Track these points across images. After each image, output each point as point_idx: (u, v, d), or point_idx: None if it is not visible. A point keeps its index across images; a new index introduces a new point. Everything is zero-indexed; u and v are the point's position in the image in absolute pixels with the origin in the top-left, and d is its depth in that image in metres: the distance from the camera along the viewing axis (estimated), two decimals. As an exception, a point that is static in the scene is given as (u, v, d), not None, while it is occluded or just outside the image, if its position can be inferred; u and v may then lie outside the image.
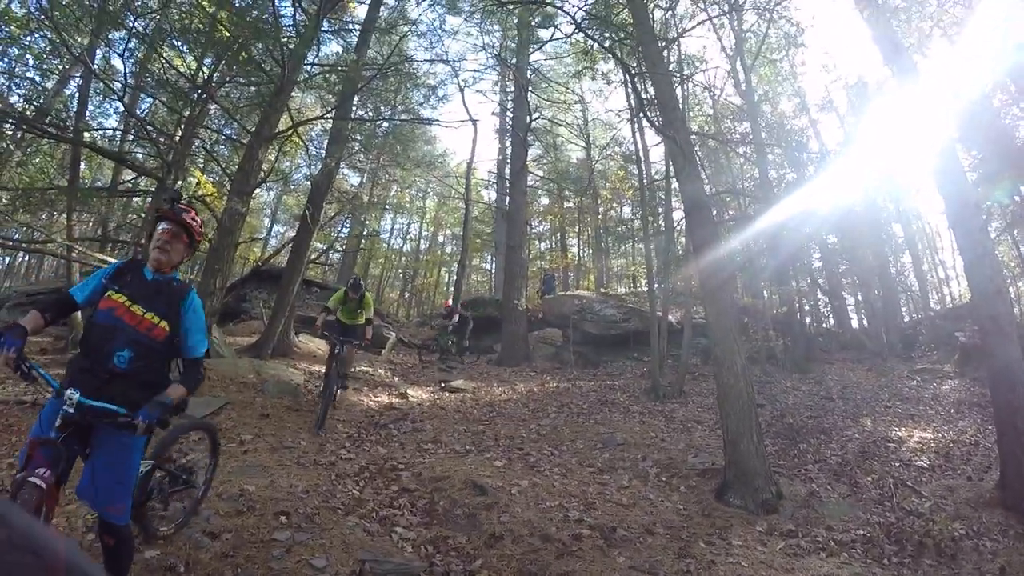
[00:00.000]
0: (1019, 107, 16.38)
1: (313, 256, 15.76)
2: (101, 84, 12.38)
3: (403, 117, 15.94)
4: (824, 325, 22.05)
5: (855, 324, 24.14)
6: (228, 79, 11.79)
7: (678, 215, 15.95)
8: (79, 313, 8.00)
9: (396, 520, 5.18)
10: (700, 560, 4.97)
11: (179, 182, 11.07)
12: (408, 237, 38.53)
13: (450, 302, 18.34)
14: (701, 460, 7.86)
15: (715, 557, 5.07)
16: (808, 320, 19.52)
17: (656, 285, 14.50)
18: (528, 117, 18.55)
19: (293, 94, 12.80)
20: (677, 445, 8.63)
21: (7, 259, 29.25)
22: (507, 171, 21.58)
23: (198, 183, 11.24)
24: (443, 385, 12.22)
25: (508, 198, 19.93)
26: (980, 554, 5.52)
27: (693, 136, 10.09)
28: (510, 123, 21.46)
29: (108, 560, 3.06)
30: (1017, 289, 26.42)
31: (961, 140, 17.76)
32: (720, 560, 5.01)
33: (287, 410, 8.28)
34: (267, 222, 32.30)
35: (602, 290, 23.26)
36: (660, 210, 16.95)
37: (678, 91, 11.37)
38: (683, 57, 14.93)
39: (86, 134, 12.28)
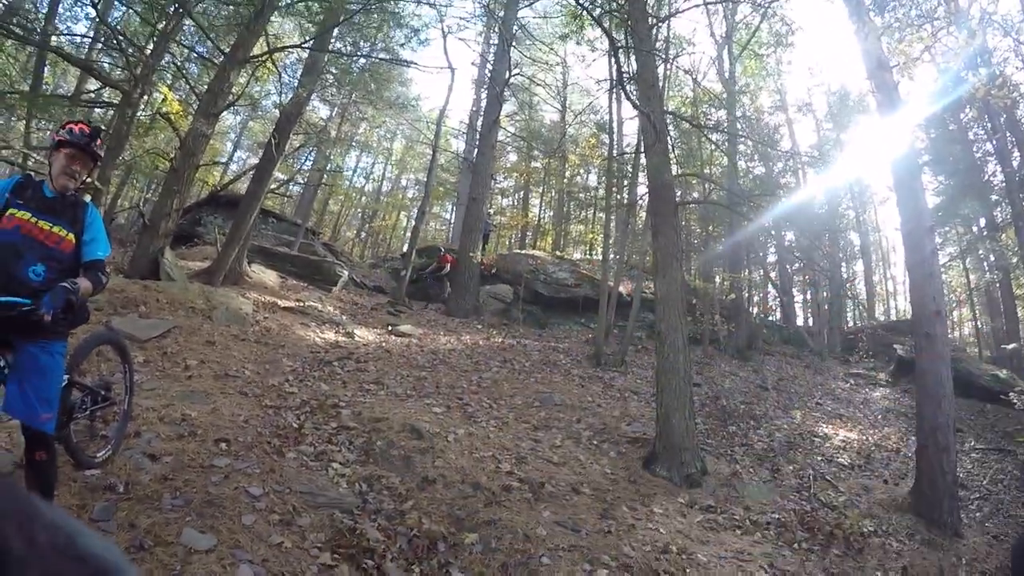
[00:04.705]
0: (992, 143, 16.86)
1: (274, 186, 15.47)
2: (75, -14, 11.80)
3: (382, 56, 15.59)
4: (770, 318, 22.69)
5: (800, 321, 24.96)
6: (208, -5, 11.36)
7: (642, 190, 16.12)
8: None
9: (333, 456, 5.31)
10: (621, 522, 5.24)
11: (145, 96, 10.70)
12: (371, 177, 37.92)
13: (447, 253, 18.17)
14: (634, 429, 8.15)
15: (636, 521, 5.34)
16: (755, 310, 20.07)
17: (611, 256, 14.70)
18: (508, 72, 18.33)
19: (272, 19, 12.41)
20: (612, 412, 8.91)
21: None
22: (479, 123, 21.34)
23: (164, 99, 10.90)
24: (390, 328, 12.25)
25: (476, 150, 19.73)
26: (886, 552, 5.91)
27: (668, 116, 10.17)
28: (488, 76, 21.10)
29: (38, 478, 3.09)
30: (960, 314, 27.53)
31: (930, 164, 18.37)
32: (640, 525, 5.29)
33: (234, 339, 8.26)
34: (230, 147, 31.37)
35: (558, 253, 23.39)
36: (625, 183, 17.11)
37: (661, 70, 11.42)
38: (671, 37, 14.93)
39: (53, 38, 11.72)
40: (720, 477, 7.13)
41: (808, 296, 26.00)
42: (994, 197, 17.46)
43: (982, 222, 19.63)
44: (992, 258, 20.07)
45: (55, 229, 3.04)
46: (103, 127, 11.97)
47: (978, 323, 24.44)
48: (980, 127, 17.53)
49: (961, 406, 11.51)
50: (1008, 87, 12.95)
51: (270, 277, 14.00)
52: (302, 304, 12.07)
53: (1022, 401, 10.48)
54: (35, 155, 10.50)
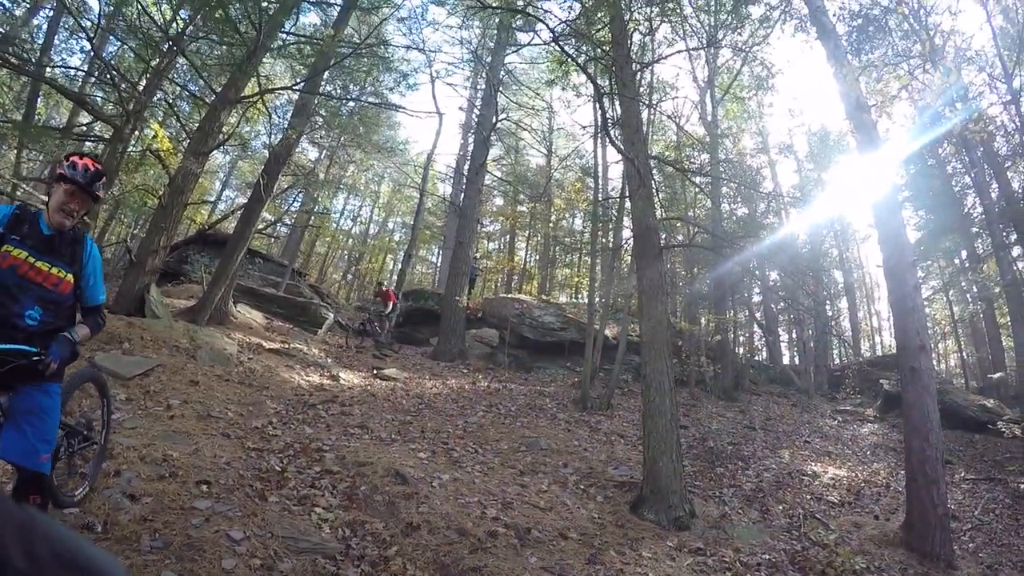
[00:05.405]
0: (970, 176, 17.23)
1: (261, 226, 15.49)
2: (71, 19, 11.91)
3: (371, 99, 15.81)
4: (757, 357, 22.79)
5: (786, 360, 25.10)
6: (201, 35, 11.38)
7: (627, 234, 16.29)
8: None
9: (316, 500, 5.22)
10: (609, 567, 5.15)
11: (136, 132, 10.74)
12: (358, 219, 38.12)
13: (390, 289, 17.78)
14: (620, 472, 8.09)
15: (624, 566, 5.26)
16: (741, 351, 20.17)
17: (597, 299, 14.75)
18: (494, 117, 18.63)
19: (264, 60, 12.57)
20: (599, 456, 8.85)
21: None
22: (466, 167, 21.57)
23: (155, 136, 10.95)
24: (375, 372, 12.20)
25: (463, 194, 19.90)
26: (879, 588, 5.89)
27: (652, 160, 10.33)
28: (475, 120, 21.43)
29: None
30: (946, 346, 27.83)
31: (910, 199, 18.74)
32: (629, 570, 5.20)
33: (218, 379, 8.18)
34: (218, 186, 31.54)
35: (543, 297, 23.45)
36: (610, 227, 17.27)
37: (644, 115, 11.64)
38: (654, 82, 15.26)
39: (48, 70, 11.79)
40: (709, 519, 7.07)
41: (793, 335, 26.19)
42: (974, 229, 17.76)
43: (964, 254, 19.95)
44: (975, 289, 20.32)
45: (54, 271, 2.91)
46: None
47: (964, 354, 24.70)
48: (958, 161, 17.93)
49: (949, 438, 11.57)
50: (984, 121, 13.33)
51: (255, 318, 13.94)
52: (287, 346, 12.00)
53: (1011, 430, 10.53)
54: (24, 185, 10.47)
